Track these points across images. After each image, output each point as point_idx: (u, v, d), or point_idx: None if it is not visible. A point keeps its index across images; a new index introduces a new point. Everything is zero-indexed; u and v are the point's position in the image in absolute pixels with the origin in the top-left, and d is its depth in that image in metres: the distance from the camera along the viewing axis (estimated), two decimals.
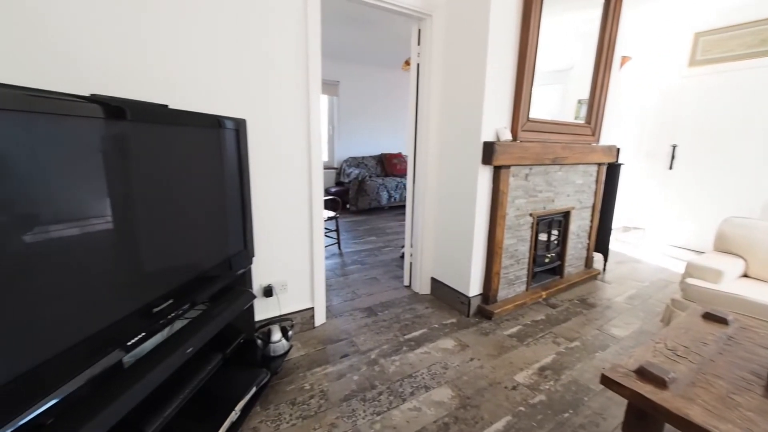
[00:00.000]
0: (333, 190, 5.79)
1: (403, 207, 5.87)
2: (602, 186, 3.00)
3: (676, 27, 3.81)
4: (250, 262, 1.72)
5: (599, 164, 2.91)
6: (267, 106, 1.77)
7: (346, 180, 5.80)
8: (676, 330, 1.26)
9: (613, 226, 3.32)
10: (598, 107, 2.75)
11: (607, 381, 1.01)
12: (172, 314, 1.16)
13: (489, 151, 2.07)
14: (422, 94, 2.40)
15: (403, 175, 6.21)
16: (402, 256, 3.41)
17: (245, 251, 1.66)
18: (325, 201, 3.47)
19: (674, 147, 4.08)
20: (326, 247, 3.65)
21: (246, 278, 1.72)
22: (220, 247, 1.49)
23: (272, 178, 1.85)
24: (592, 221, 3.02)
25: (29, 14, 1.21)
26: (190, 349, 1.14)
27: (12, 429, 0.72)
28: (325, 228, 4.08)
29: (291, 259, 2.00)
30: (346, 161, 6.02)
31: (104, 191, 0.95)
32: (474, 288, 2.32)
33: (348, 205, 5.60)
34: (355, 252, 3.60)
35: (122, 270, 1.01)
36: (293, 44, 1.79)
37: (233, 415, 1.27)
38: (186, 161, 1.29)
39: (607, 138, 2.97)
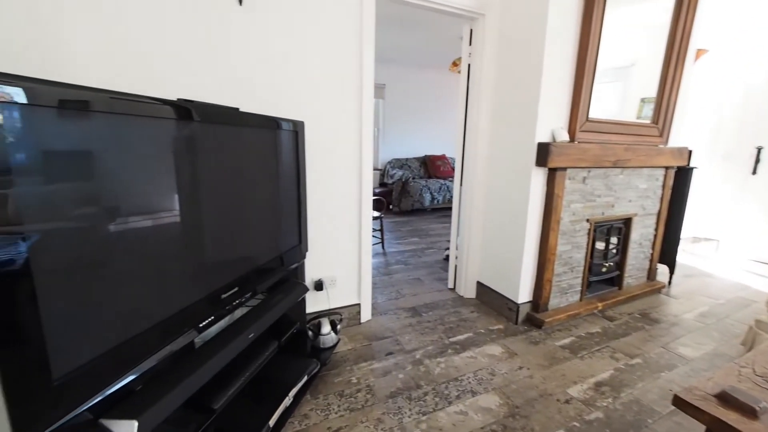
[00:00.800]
0: (376, 191, 5.87)
1: (446, 209, 5.81)
2: (669, 191, 2.75)
3: (764, 15, 3.40)
4: (304, 257, 1.80)
5: (667, 168, 2.68)
6: (322, 109, 1.85)
7: (390, 181, 5.85)
8: (766, 354, 1.13)
9: (682, 236, 3.02)
10: (668, 106, 2.53)
11: (681, 403, 0.93)
12: (237, 301, 1.24)
13: (544, 152, 1.99)
14: (472, 95, 2.37)
15: (447, 177, 6.14)
16: (446, 258, 3.38)
17: (300, 246, 1.74)
18: (373, 200, 3.54)
19: (759, 149, 3.64)
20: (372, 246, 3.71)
21: (300, 272, 1.80)
22: (278, 242, 1.58)
23: (325, 177, 1.93)
24: (656, 230, 2.78)
25: (131, 30, 1.37)
26: (252, 335, 1.22)
27: (111, 390, 0.83)
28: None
29: (340, 256, 2.06)
30: (389, 162, 6.08)
31: (183, 188, 1.05)
32: (523, 295, 2.24)
33: (391, 206, 5.65)
34: (398, 252, 3.62)
35: (195, 259, 1.11)
36: (348, 50, 1.85)
37: (287, 401, 1.34)
38: (251, 160, 1.38)
39: (676, 139, 2.72)
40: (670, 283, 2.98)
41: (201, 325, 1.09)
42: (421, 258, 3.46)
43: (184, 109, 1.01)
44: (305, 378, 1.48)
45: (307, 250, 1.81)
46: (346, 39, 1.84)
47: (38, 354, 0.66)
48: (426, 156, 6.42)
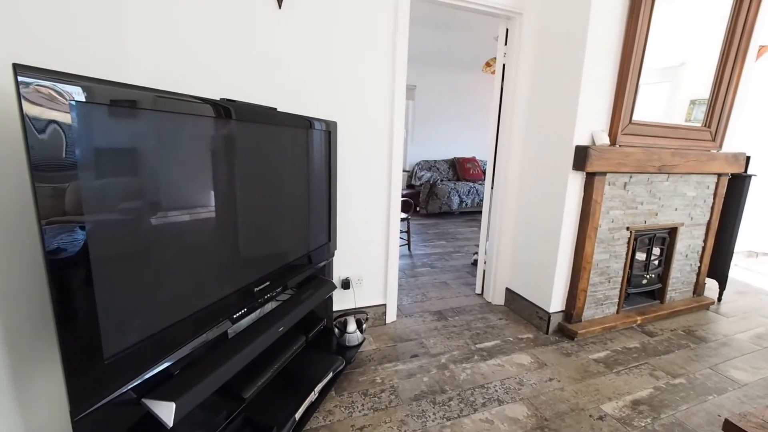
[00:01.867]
0: (404, 192, 5.86)
1: (475, 213, 5.71)
2: (722, 201, 2.55)
3: None
4: (332, 255, 1.83)
5: (719, 175, 2.48)
6: (355, 110, 1.87)
7: (418, 183, 5.82)
8: None
9: (736, 249, 2.79)
10: (723, 108, 2.35)
11: (733, 429, 0.86)
12: (268, 294, 1.28)
13: (582, 155, 1.90)
14: (507, 95, 2.31)
15: (476, 180, 6.03)
16: (474, 263, 3.31)
17: (329, 244, 1.77)
18: (401, 201, 3.53)
19: None
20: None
21: (328, 269, 1.83)
22: (308, 239, 1.61)
23: (355, 178, 1.95)
24: (705, 241, 2.58)
25: (182, 35, 1.46)
26: (282, 328, 1.26)
27: (152, 373, 0.88)
28: None
29: (368, 256, 2.07)
30: (418, 164, 6.05)
31: (220, 184, 1.10)
32: (555, 304, 2.15)
33: (418, 208, 5.62)
34: (424, 255, 3.59)
35: (231, 253, 1.16)
36: (382, 52, 1.86)
37: (312, 396, 1.36)
38: (285, 158, 1.42)
39: (732, 144, 2.52)
40: (719, 299, 2.75)
41: (235, 316, 1.13)
42: (447, 262, 3.41)
43: (225, 108, 1.05)
44: (330, 374, 1.50)
45: (335, 249, 1.83)
46: (380, 40, 1.85)
47: (93, 335, 0.72)
48: (455, 158, 6.33)
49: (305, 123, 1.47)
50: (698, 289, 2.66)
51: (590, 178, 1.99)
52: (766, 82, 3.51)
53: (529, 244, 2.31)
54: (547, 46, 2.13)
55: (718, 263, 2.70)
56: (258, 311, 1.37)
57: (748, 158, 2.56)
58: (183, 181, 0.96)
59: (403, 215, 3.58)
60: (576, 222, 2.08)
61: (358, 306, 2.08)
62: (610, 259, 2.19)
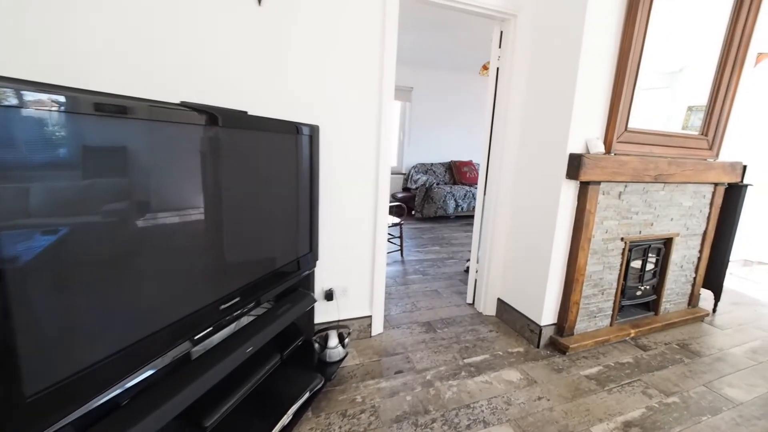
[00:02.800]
0: (399, 195, 5.79)
1: (471, 217, 5.63)
2: (718, 210, 2.49)
3: None
4: (314, 265, 1.75)
5: (716, 184, 2.42)
6: (340, 113, 1.79)
7: (413, 186, 5.75)
8: None
9: (731, 258, 2.73)
10: (720, 116, 2.29)
11: None
12: (238, 312, 1.20)
13: (576, 164, 1.83)
14: (500, 100, 2.24)
15: (473, 183, 5.96)
16: (467, 270, 3.24)
17: (310, 254, 1.69)
18: (390, 207, 3.46)
19: None
20: (388, 253, 3.64)
21: (309, 280, 1.75)
22: (287, 249, 1.53)
23: (340, 184, 1.87)
24: (701, 252, 2.52)
25: (139, 33, 1.37)
26: (250, 349, 1.18)
27: (96, 404, 0.79)
28: (389, 234, 4.08)
29: (353, 266, 1.99)
30: (414, 167, 5.98)
31: (181, 192, 1.02)
32: (547, 316, 2.08)
33: (413, 212, 5.54)
34: (417, 261, 3.52)
35: (193, 268, 1.07)
36: (369, 53, 1.79)
37: (285, 419, 1.28)
38: (258, 165, 1.34)
39: (728, 152, 2.46)
40: (714, 310, 2.70)
41: (196, 338, 1.05)
42: (440, 268, 3.34)
43: (185, 112, 0.97)
44: (307, 394, 1.42)
45: (317, 259, 1.76)
46: (368, 41, 1.77)
47: (10, 369, 0.63)
48: (452, 161, 6.26)
49: (281, 126, 1.39)
50: (693, 300, 2.60)
51: (584, 187, 1.92)
52: (763, 90, 3.46)
53: (521, 253, 2.24)
54: (541, 50, 2.06)
55: (713, 274, 2.64)
56: (234, 325, 1.29)
57: (744, 167, 2.50)
58: (129, 188, 0.88)
59: (396, 220, 3.50)
60: (569, 232, 2.01)
61: (342, 318, 2.00)
62: (603, 271, 2.13)
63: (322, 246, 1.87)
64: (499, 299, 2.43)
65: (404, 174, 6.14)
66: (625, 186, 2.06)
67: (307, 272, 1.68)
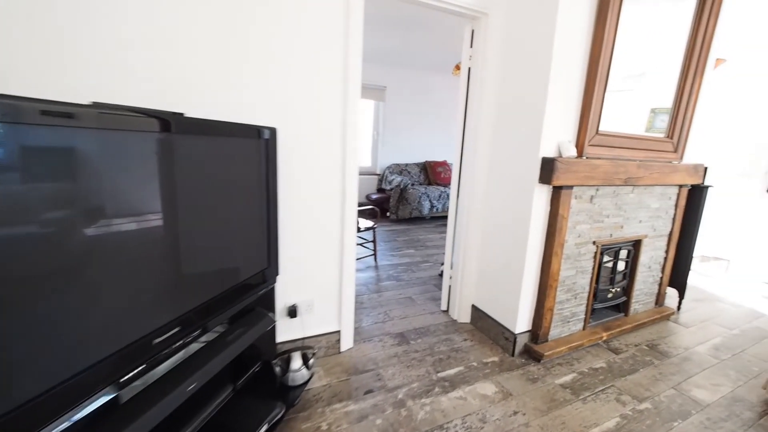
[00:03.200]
0: (374, 196, 5.67)
1: (446, 218, 5.60)
2: (682, 211, 2.55)
3: None
4: (275, 281, 1.61)
5: (681, 186, 2.47)
6: (300, 114, 1.65)
7: (388, 187, 5.65)
8: None
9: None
10: (684, 119, 2.33)
11: None
12: (178, 344, 1.05)
13: (548, 168, 1.78)
14: (472, 101, 2.17)
15: (447, 184, 5.94)
16: (441, 274, 3.18)
17: (269, 269, 1.54)
18: (363, 210, 3.34)
19: None
20: (361, 258, 3.52)
21: (269, 298, 1.60)
22: (240, 266, 1.38)
23: (303, 190, 1.73)
24: (667, 252, 2.57)
25: (42, 21, 1.18)
26: (193, 386, 1.03)
27: None
28: (362, 238, 3.95)
29: (319, 278, 1.86)
30: (388, 168, 5.88)
31: (102, 205, 0.86)
32: (521, 324, 2.04)
33: (388, 213, 5.45)
34: (391, 266, 3.42)
35: (117, 296, 0.91)
36: (332, 50, 1.65)
37: None
38: (204, 173, 1.19)
39: (690, 154, 2.51)
40: (679, 308, 2.77)
41: (123, 380, 0.89)
42: (415, 273, 3.25)
43: (95, 114, 0.81)
44: (265, 427, 1.28)
45: (278, 273, 1.61)
46: (331, 36, 1.64)
47: None
48: (426, 162, 6.21)
49: (230, 129, 1.24)
50: (660, 299, 2.65)
51: (557, 192, 1.88)
52: (719, 94, 3.61)
53: (495, 259, 2.19)
54: (513, 51, 2.00)
55: (677, 273, 2.71)
56: (174, 358, 1.13)
57: (705, 169, 2.57)
58: (37, 200, 0.71)
59: (369, 224, 3.39)
60: (542, 237, 1.97)
61: (307, 335, 1.86)
62: (576, 275, 2.10)
63: (284, 258, 1.72)
64: (473, 306, 2.37)
65: (379, 174, 6.03)
66: (597, 189, 2.04)
67: (265, 289, 1.53)
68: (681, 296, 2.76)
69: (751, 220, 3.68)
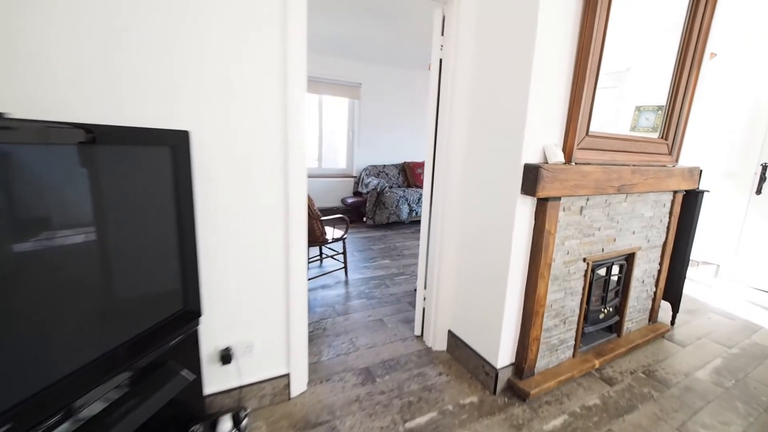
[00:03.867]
0: (350, 200, 5.34)
1: None
2: (677, 219, 2.32)
3: None
4: (196, 323, 1.27)
5: (675, 192, 2.24)
6: (223, 113, 1.31)
7: (364, 190, 5.33)
8: None
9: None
10: (680, 118, 2.09)
11: None
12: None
13: (532, 177, 1.50)
14: (444, 97, 1.87)
15: None
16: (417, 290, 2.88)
17: (186, 310, 1.21)
18: (332, 219, 3.01)
19: (765, 166, 3.28)
20: (331, 272, 3.20)
21: (188, 346, 1.27)
22: (139, 314, 1.05)
23: (232, 206, 1.39)
24: (661, 264, 2.34)
25: None
26: None
27: None
28: (332, 249, 3.62)
29: (260, 312, 1.53)
30: (365, 169, 5.56)
31: None
32: (504, 356, 1.75)
33: (365, 219, 5.13)
34: (363, 280, 3.10)
35: None
36: (263, 30, 1.32)
37: None
38: (67, 196, 0.85)
39: (685, 156, 2.29)
40: (673, 322, 2.55)
41: None
42: (388, 288, 2.95)
43: None
44: None
45: (200, 314, 1.28)
46: (261, 15, 1.31)
47: None
48: (405, 163, 5.92)
49: (112, 136, 0.90)
50: (653, 315, 2.43)
51: (542, 204, 1.60)
52: (707, 90, 3.44)
53: (473, 282, 1.90)
54: (490, 37, 1.71)
55: (671, 285, 2.49)
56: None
57: (701, 172, 2.35)
58: None
59: (338, 234, 3.06)
60: (526, 257, 1.69)
61: (246, 383, 1.52)
62: (565, 298, 1.84)
63: (212, 292, 1.38)
64: (450, 332, 2.07)
65: (355, 177, 5.70)
66: (587, 200, 1.77)
67: (181, 337, 1.19)
68: (675, 310, 2.54)
69: (739, 222, 3.53)
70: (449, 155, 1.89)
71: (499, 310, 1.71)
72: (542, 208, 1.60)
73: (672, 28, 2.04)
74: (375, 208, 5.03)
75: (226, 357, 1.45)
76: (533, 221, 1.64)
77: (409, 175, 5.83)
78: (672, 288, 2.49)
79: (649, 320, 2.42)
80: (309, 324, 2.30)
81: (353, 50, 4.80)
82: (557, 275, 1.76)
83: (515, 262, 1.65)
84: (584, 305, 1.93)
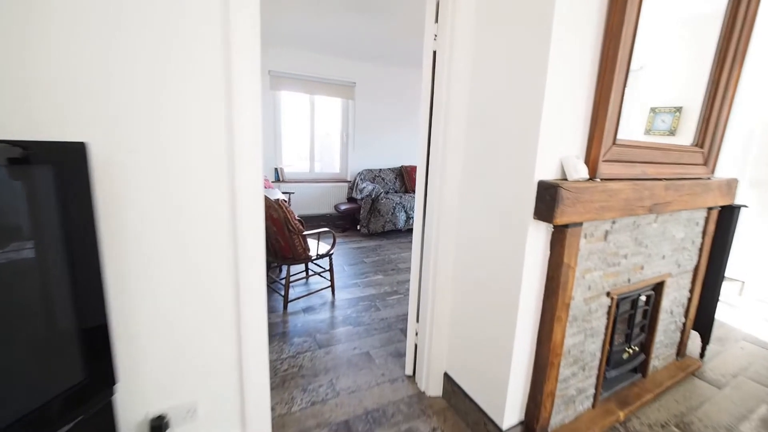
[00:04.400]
0: (343, 207, 5.03)
1: None
2: (710, 239, 2.00)
3: None
4: (111, 393, 0.96)
5: (710, 208, 1.92)
6: (142, 117, 1.00)
7: (359, 196, 5.01)
8: None
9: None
10: (717, 123, 1.77)
11: None
12: None
13: (549, 198, 1.18)
14: (439, 96, 1.55)
15: None
16: None
17: (89, 382, 0.90)
18: (317, 233, 2.70)
19: None
20: (318, 291, 2.89)
21: (99, 423, 0.96)
22: (21, 395, 0.74)
23: (161, 242, 1.08)
24: (692, 291, 2.02)
25: None
26: None
27: None
28: (319, 266, 3.30)
29: (203, 366, 1.22)
30: (360, 174, 5.24)
31: None
32: (511, 414, 1.44)
33: (359, 227, 4.82)
34: (351, 301, 2.79)
35: None
36: (197, 21, 1.01)
37: None
38: None
39: (722, 167, 1.97)
40: (702, 355, 2.23)
41: None
42: (379, 312, 2.63)
43: None
44: None
45: (114, 381, 0.97)
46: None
47: None
48: (402, 167, 5.61)
49: None
50: (682, 349, 2.10)
51: (560, 231, 1.28)
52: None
53: (473, 319, 1.58)
54: (493, 21, 1.39)
55: (701, 313, 2.17)
56: None
57: (737, 184, 2.03)
58: None
59: (324, 250, 2.75)
60: (539, 295, 1.37)
61: None
62: (585, 341, 1.52)
63: (135, 350, 1.07)
64: (446, 375, 1.76)
65: (349, 182, 5.39)
66: (613, 223, 1.45)
67: (76, 419, 0.88)
68: (705, 341, 2.22)
69: (766, 235, 3.20)
70: (445, 167, 1.57)
71: (506, 359, 1.39)
72: (560, 236, 1.28)
73: (692, 20, 1.76)
74: (369, 216, 4.71)
75: (158, 427, 1.13)
76: (548, 252, 1.33)
77: (407, 179, 5.52)
78: (702, 317, 2.17)
79: (678, 354, 2.10)
80: (284, 360, 1.99)
81: (347, 47, 4.49)
82: (576, 315, 1.44)
83: (526, 301, 1.34)
84: (606, 347, 1.61)
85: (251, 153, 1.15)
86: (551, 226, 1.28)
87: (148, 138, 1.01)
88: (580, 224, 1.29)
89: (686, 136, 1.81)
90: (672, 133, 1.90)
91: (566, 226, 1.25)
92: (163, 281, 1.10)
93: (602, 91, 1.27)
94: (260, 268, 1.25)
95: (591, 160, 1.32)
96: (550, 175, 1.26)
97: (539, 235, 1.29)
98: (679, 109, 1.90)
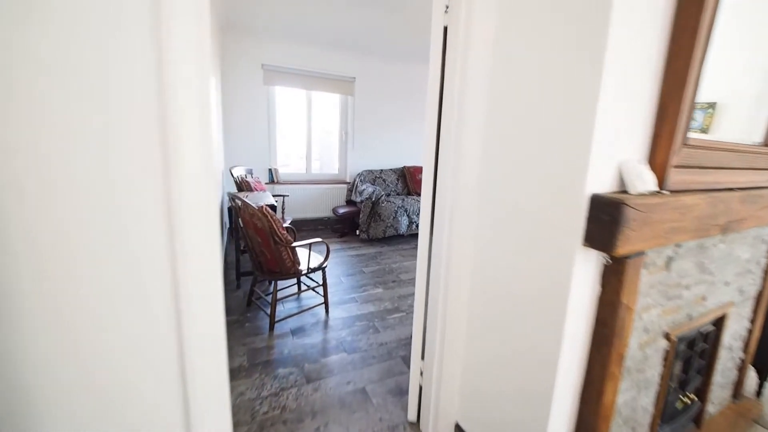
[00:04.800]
0: (341, 211, 4.71)
1: None
2: None
3: None
4: None
5: None
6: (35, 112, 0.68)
7: (358, 199, 4.69)
8: None
9: None
10: None
11: None
12: None
13: (610, 219, 0.85)
14: (450, 82, 1.23)
15: None
16: None
17: None
18: (309, 244, 2.38)
19: None
20: (311, 309, 2.58)
21: None
22: None
23: (74, 269, 0.76)
24: (753, 321, 1.68)
25: None
26: None
27: None
28: (313, 281, 2.96)
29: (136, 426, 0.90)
30: (360, 175, 4.92)
31: None
32: None
33: (358, 231, 4.50)
34: (347, 321, 2.47)
35: None
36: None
37: None
38: None
39: None
40: (759, 394, 1.89)
41: None
42: (379, 334, 2.31)
43: None
44: None
45: None
46: None
47: None
48: (405, 167, 5.28)
49: None
50: (739, 389, 1.77)
51: (619, 264, 0.95)
52: None
53: (494, 364, 1.25)
54: None
55: (762, 346, 1.83)
56: None
57: None
58: None
59: (316, 263, 2.44)
60: (585, 342, 1.04)
61: None
62: (638, 395, 1.19)
63: (47, 403, 0.76)
64: (458, 426, 1.43)
65: (348, 183, 5.07)
66: (677, 248, 1.12)
67: None
68: (763, 378, 1.88)
69: None
70: (457, 168, 1.24)
71: (541, 421, 1.06)
72: (618, 268, 0.95)
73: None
74: (369, 220, 4.39)
75: None
76: (599, 289, 1.00)
77: (410, 181, 5.19)
78: (762, 350, 1.83)
79: (733, 396, 1.76)
80: (264, 399, 1.68)
81: (346, 40, 4.17)
82: (630, 367, 1.11)
83: (568, 352, 1.01)
84: (661, 400, 1.27)
85: (200, 158, 0.83)
86: (606, 256, 0.95)
87: (26, 136, 0.69)
88: (644, 253, 0.96)
89: (723, 135, 1.47)
90: (704, 131, 1.57)
91: (628, 256, 0.92)
92: (62, 333, 0.78)
93: (675, 73, 0.93)
94: (218, 325, 0.92)
95: (657, 167, 0.98)
96: (604, 186, 0.93)
97: (588, 266, 0.96)
98: (712, 105, 1.57)
